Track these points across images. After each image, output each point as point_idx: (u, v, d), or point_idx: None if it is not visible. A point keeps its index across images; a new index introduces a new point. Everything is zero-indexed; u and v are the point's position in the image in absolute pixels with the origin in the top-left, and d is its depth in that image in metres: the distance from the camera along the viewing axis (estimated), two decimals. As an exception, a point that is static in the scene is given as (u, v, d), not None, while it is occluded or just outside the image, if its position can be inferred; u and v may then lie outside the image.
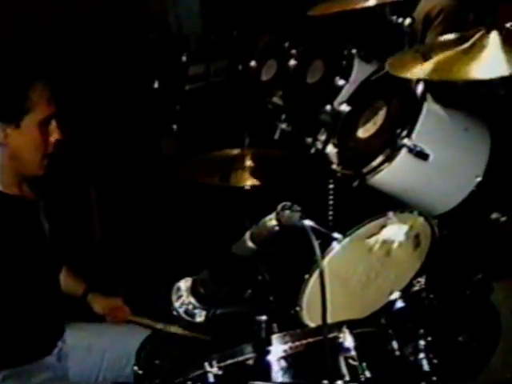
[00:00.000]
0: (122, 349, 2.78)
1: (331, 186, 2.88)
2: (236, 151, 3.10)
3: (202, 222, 3.82)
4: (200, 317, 1.74)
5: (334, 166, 2.60)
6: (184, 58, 4.03)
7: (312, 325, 2.17)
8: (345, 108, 2.65)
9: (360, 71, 2.88)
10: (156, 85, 3.94)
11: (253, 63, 3.39)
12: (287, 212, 1.60)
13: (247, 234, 1.62)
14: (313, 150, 2.87)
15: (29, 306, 2.63)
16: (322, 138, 2.81)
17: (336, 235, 2.37)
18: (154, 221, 3.96)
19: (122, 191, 4.08)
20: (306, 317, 2.22)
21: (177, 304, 1.75)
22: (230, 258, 1.63)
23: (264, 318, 1.44)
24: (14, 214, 2.61)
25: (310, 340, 1.76)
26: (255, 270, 1.62)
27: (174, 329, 2.71)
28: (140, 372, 2.50)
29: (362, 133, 2.55)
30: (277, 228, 1.60)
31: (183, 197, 3.67)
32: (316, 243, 1.59)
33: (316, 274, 2.26)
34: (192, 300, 1.72)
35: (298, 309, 2.22)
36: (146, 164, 3.95)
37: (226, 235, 3.09)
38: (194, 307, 1.74)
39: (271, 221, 1.61)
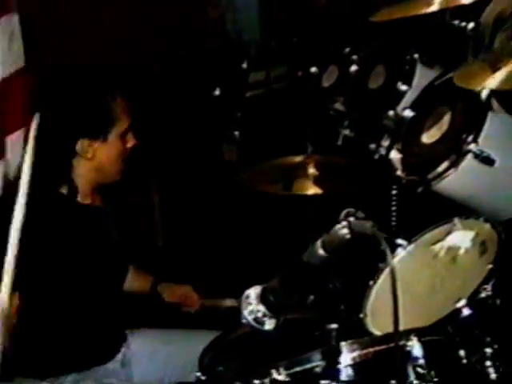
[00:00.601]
0: (186, 355, 2.78)
1: (395, 192, 2.86)
2: (298, 158, 3.10)
3: (264, 229, 3.82)
4: (269, 324, 1.75)
5: (398, 172, 2.58)
6: (244, 65, 4.05)
7: (376, 332, 2.16)
8: (408, 113, 2.63)
9: (422, 76, 2.85)
10: (217, 92, 3.96)
11: (313, 69, 3.38)
12: (358, 220, 1.59)
13: (318, 242, 1.62)
14: (376, 156, 2.86)
15: (94, 311, 2.67)
16: (386, 143, 2.80)
17: (400, 242, 2.36)
18: (215, 226, 3.97)
19: (184, 197, 4.11)
20: (371, 324, 2.21)
21: (246, 312, 1.75)
22: (300, 266, 1.63)
23: (334, 326, 1.43)
24: (86, 222, 2.65)
25: (379, 348, 1.75)
26: (326, 278, 1.62)
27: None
28: (203, 378, 2.51)
29: (427, 138, 2.53)
30: (348, 236, 1.59)
31: (244, 204, 3.68)
32: (389, 252, 1.58)
33: (381, 281, 2.26)
34: (261, 308, 1.73)
35: (362, 316, 2.21)
36: (207, 170, 3.97)
37: (287, 243, 3.11)
38: (264, 315, 1.74)
39: (343, 229, 1.60)
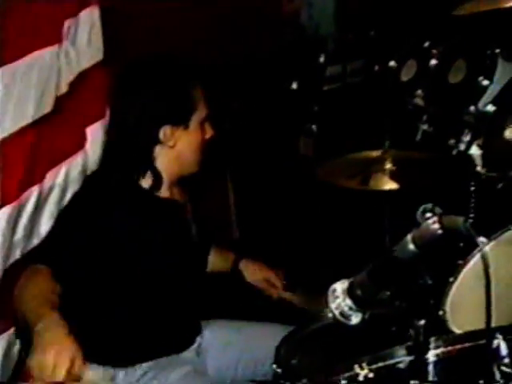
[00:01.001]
0: (260, 346, 2.79)
1: (473, 189, 2.81)
2: (376, 153, 3.07)
3: (341, 224, 3.80)
4: (356, 318, 1.74)
5: (478, 168, 2.55)
6: (321, 59, 4.03)
7: (455, 329, 2.14)
8: (490, 108, 2.59)
9: (504, 71, 2.80)
10: (294, 86, 3.96)
11: (392, 63, 3.35)
12: (450, 216, 1.57)
13: (409, 237, 1.60)
14: (455, 152, 2.82)
15: (172, 302, 2.69)
16: (466, 139, 2.76)
17: (481, 239, 2.32)
18: (291, 220, 3.97)
19: (260, 190, 4.11)
20: (450, 320, 2.19)
21: (333, 305, 1.74)
22: (390, 261, 1.61)
23: (422, 322, 1.42)
24: (166, 216, 2.67)
25: (464, 345, 1.73)
26: (416, 273, 1.60)
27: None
28: (279, 371, 2.51)
29: (509, 134, 2.49)
30: (440, 231, 1.57)
31: (321, 198, 3.66)
32: (480, 243, 1.55)
33: (461, 278, 2.23)
34: (348, 302, 1.72)
35: (441, 312, 2.18)
36: (284, 164, 3.96)
37: (365, 238, 3.10)
38: (350, 309, 1.73)
39: (434, 224, 1.58)
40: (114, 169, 2.58)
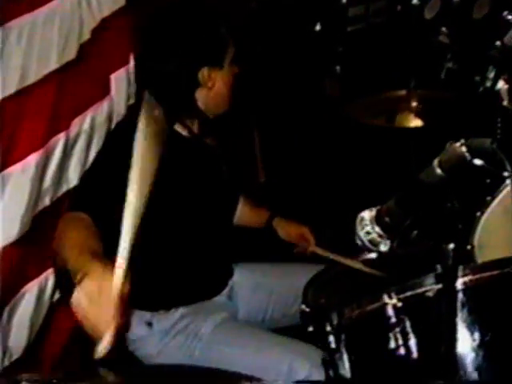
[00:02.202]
0: (288, 288, 2.82)
1: (499, 125, 2.79)
2: (401, 93, 3.06)
3: (367, 162, 3.79)
4: (385, 246, 1.74)
5: (505, 103, 2.52)
6: (344, 0, 3.99)
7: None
8: (517, 42, 2.56)
9: (530, 5, 2.77)
10: (318, 27, 3.92)
11: (415, 1, 3.31)
12: (478, 139, 1.56)
13: (435, 161, 1.60)
14: (481, 89, 2.79)
15: (204, 246, 2.70)
16: (491, 75, 2.73)
17: (507, 174, 2.31)
18: (317, 161, 3.95)
19: (285, 132, 4.09)
20: (478, 255, 2.19)
21: (361, 233, 1.75)
22: (417, 186, 1.61)
23: (452, 246, 1.41)
24: (196, 158, 2.68)
25: (493, 273, 1.72)
26: (443, 198, 1.59)
27: (356, 264, 2.70)
28: (307, 310, 2.53)
29: (536, 67, 2.46)
30: (467, 154, 1.56)
31: (347, 138, 3.65)
32: (508, 163, 1.54)
33: (489, 212, 2.22)
34: (377, 229, 1.72)
35: (469, 247, 2.18)
36: (309, 105, 3.94)
37: (391, 176, 3.09)
38: (379, 236, 1.73)
39: (461, 147, 1.57)
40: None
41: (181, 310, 2.66)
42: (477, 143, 1.59)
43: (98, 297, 1.82)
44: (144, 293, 2.64)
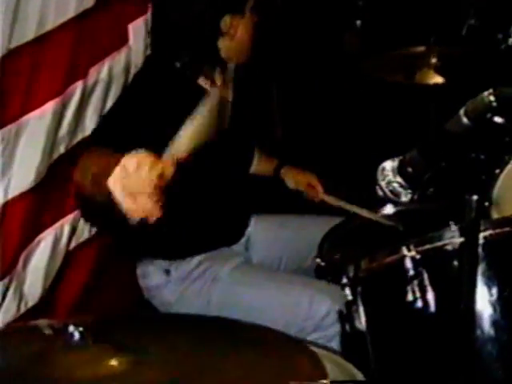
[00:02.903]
0: (303, 240, 2.82)
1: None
2: (421, 49, 3.02)
3: (385, 118, 3.76)
4: (406, 196, 1.72)
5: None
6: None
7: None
8: (542, -2, 2.52)
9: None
10: (338, -19, 3.88)
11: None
12: (507, 87, 1.53)
13: (461, 111, 1.57)
14: (503, 46, 2.76)
15: (222, 195, 2.70)
16: (514, 32, 2.70)
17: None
18: (335, 118, 3.92)
19: (304, 88, 4.05)
20: (495, 212, 2.17)
21: (383, 183, 1.73)
22: (442, 135, 1.58)
23: (475, 197, 1.39)
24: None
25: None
26: (468, 148, 1.56)
27: (366, 213, 2.70)
28: (322, 264, 2.53)
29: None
30: (494, 104, 1.53)
31: (365, 93, 3.62)
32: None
33: (507, 170, 2.20)
34: (399, 179, 1.70)
35: (487, 204, 2.17)
36: (328, 61, 3.90)
37: (411, 134, 3.07)
38: (401, 186, 1.71)
39: (489, 96, 1.54)
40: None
41: (198, 257, 2.67)
42: (506, 92, 1.55)
43: (138, 170, 1.84)
44: (162, 242, 2.66)
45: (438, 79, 2.93)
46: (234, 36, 2.58)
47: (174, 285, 2.67)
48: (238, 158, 2.79)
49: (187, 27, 2.53)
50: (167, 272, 2.67)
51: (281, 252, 2.87)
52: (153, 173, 1.87)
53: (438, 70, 2.92)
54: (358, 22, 3.39)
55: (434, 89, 2.95)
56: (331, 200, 2.92)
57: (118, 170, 1.85)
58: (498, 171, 2.22)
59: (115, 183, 1.85)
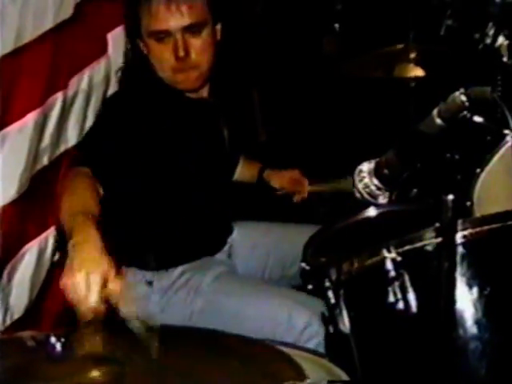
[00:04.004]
0: (287, 248, 2.82)
1: (500, 83, 2.77)
2: (400, 46, 3.03)
3: (365, 117, 3.76)
4: (383, 198, 1.73)
5: (505, 59, 2.50)
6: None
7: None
8: (517, -3, 2.53)
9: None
10: (316, -16, 3.89)
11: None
12: (478, 87, 1.54)
13: (435, 111, 1.58)
14: (480, 46, 2.77)
15: (204, 204, 2.70)
16: (491, 32, 2.71)
17: (507, 131, 2.30)
18: (317, 120, 3.93)
19: (285, 91, 4.05)
20: (477, 211, 2.18)
21: (360, 186, 1.74)
22: (416, 136, 1.59)
23: (451, 197, 1.40)
24: (194, 116, 2.66)
25: (493, 226, 1.72)
26: (443, 148, 1.57)
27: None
28: (307, 268, 2.53)
29: (537, 22, 2.44)
30: (467, 104, 1.54)
31: (346, 95, 3.62)
32: (509, 114, 1.53)
33: (489, 168, 2.21)
34: (375, 181, 1.71)
35: (469, 203, 2.18)
36: (307, 64, 3.91)
37: (390, 129, 3.07)
38: (378, 188, 1.72)
39: (461, 96, 1.55)
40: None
41: (181, 267, 2.68)
42: (477, 92, 1.57)
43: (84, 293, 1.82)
44: (144, 252, 2.66)
45: (418, 72, 2.94)
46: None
47: (157, 296, 2.67)
48: (222, 165, 2.79)
49: None
50: (150, 283, 2.67)
51: (264, 260, 2.88)
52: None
53: (418, 63, 2.93)
54: (337, 25, 3.40)
55: (413, 82, 2.96)
56: (319, 187, 2.93)
57: (67, 286, 1.85)
58: (478, 170, 2.23)
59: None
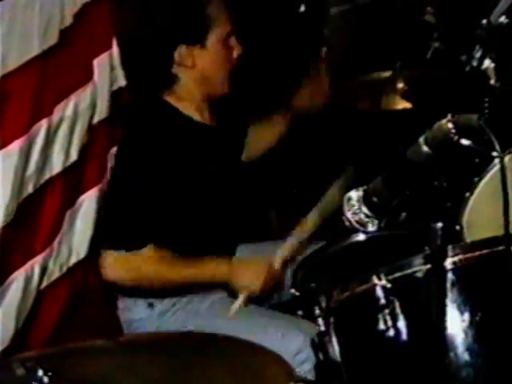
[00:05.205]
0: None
1: (487, 105, 2.77)
2: (387, 74, 3.03)
3: (354, 145, 3.76)
4: (373, 226, 1.72)
5: (492, 82, 2.50)
6: (330, -17, 3.95)
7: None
8: (503, 20, 2.53)
9: (516, -19, 2.74)
10: (302, 8, 3.88)
11: (402, -19, 3.29)
12: (464, 115, 1.54)
13: (421, 138, 1.57)
14: (468, 68, 2.77)
15: (208, 230, 2.70)
16: (478, 54, 2.71)
17: (496, 153, 2.29)
18: (302, 144, 3.90)
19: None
20: (467, 235, 2.18)
21: (349, 214, 1.73)
22: (404, 164, 1.59)
23: (440, 225, 1.39)
24: (196, 139, 2.65)
25: (483, 252, 1.71)
26: (431, 176, 1.57)
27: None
28: (297, 294, 2.53)
29: (523, 45, 2.44)
30: (453, 131, 1.54)
31: (333, 121, 3.61)
32: (496, 142, 1.52)
33: (477, 193, 2.21)
34: (364, 209, 1.70)
35: (458, 228, 2.17)
36: (293, 88, 3.89)
37: (378, 159, 3.07)
38: (367, 216, 1.71)
39: (447, 123, 1.55)
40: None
41: (181, 291, 2.69)
42: (463, 119, 1.57)
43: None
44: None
45: (405, 104, 2.93)
46: (194, 67, 2.57)
47: (156, 317, 2.68)
48: (229, 193, 2.78)
49: (142, 55, 2.54)
50: (151, 305, 2.67)
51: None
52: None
53: (405, 95, 2.92)
54: (324, 50, 3.40)
55: (401, 114, 2.95)
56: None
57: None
58: (468, 194, 2.23)
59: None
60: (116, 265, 2.59)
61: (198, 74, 2.60)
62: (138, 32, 2.55)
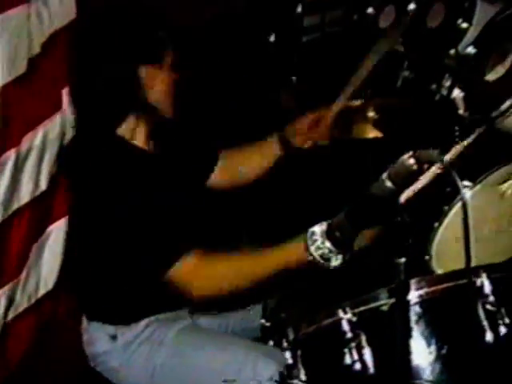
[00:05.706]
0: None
1: (457, 134, 2.79)
2: (357, 103, 3.04)
3: (324, 175, 3.76)
4: (336, 260, 1.72)
5: (461, 112, 2.52)
6: (299, 9, 3.96)
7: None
8: (471, 51, 2.55)
9: (483, 13, 2.75)
10: (272, 38, 3.89)
11: (370, 10, 3.29)
12: (425, 150, 1.54)
13: (385, 174, 1.57)
14: (437, 97, 2.79)
15: (168, 259, 2.65)
16: (447, 83, 2.73)
17: (466, 183, 2.30)
18: (273, 173, 3.90)
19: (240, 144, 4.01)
20: (436, 265, 2.18)
21: (312, 248, 1.72)
22: (367, 200, 1.59)
23: (403, 260, 1.39)
24: (153, 170, 2.62)
25: (447, 285, 1.71)
26: (393, 211, 1.57)
27: None
28: (267, 324, 2.51)
29: (491, 76, 2.46)
30: (415, 167, 1.54)
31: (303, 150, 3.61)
32: (459, 180, 1.52)
33: (446, 223, 2.21)
34: (328, 244, 1.70)
35: (427, 257, 2.17)
36: (264, 118, 3.89)
37: (349, 188, 3.06)
38: (330, 251, 1.71)
39: (409, 159, 1.55)
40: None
41: (145, 320, 2.63)
42: (424, 155, 1.57)
43: None
44: (108, 306, 2.62)
45: (376, 133, 2.93)
46: (154, 89, 2.55)
47: (121, 350, 2.62)
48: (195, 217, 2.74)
49: (105, 80, 2.50)
50: (113, 338, 2.62)
51: (226, 314, 2.84)
52: None
53: (376, 124, 2.93)
54: (294, 79, 3.40)
55: (371, 143, 2.96)
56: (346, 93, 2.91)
57: None
58: (436, 224, 2.23)
59: None
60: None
61: (152, 96, 2.57)
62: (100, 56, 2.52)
